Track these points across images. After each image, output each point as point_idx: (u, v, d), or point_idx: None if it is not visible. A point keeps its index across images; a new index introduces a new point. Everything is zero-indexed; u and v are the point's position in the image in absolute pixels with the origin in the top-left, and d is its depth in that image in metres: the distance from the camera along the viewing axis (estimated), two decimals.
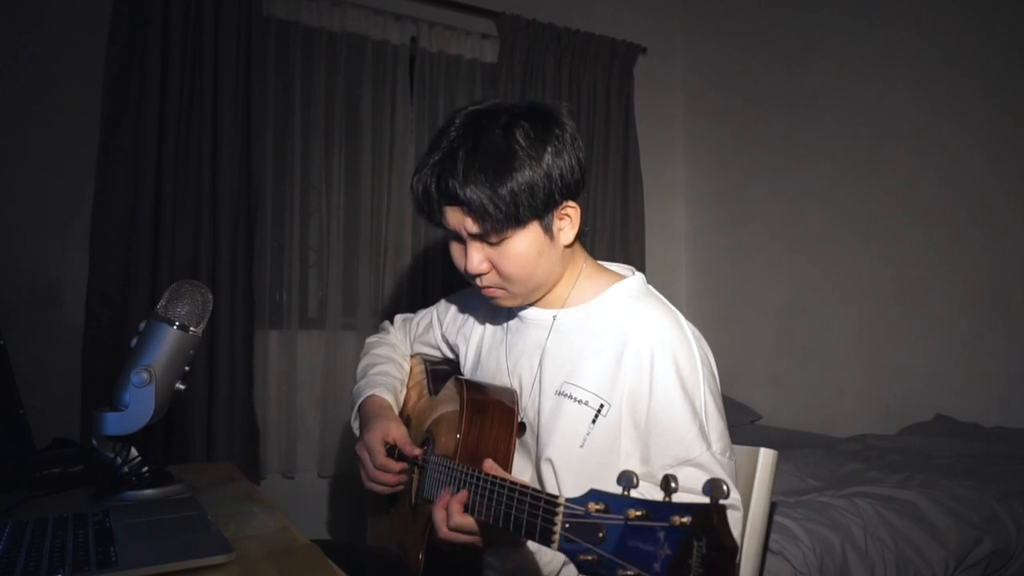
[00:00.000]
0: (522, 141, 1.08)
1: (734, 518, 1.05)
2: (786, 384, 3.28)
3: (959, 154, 2.71)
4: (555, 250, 1.15)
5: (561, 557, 0.98)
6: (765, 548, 1.30)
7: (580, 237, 1.22)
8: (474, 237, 1.12)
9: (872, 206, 2.96)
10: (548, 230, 1.13)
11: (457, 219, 1.11)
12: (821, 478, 2.07)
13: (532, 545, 1.03)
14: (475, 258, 1.13)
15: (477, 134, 1.10)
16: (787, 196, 3.30)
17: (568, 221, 1.15)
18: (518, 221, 1.09)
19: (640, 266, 3.46)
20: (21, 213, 2.41)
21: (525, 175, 1.07)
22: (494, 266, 1.14)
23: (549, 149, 1.09)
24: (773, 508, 1.44)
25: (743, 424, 3.19)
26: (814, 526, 1.64)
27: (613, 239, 3.42)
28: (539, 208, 1.09)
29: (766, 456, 1.21)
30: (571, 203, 1.15)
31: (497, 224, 1.08)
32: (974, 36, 2.68)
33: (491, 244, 1.12)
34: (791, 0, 3.32)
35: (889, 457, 2.28)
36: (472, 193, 1.07)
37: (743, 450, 1.24)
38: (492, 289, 1.17)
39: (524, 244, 1.11)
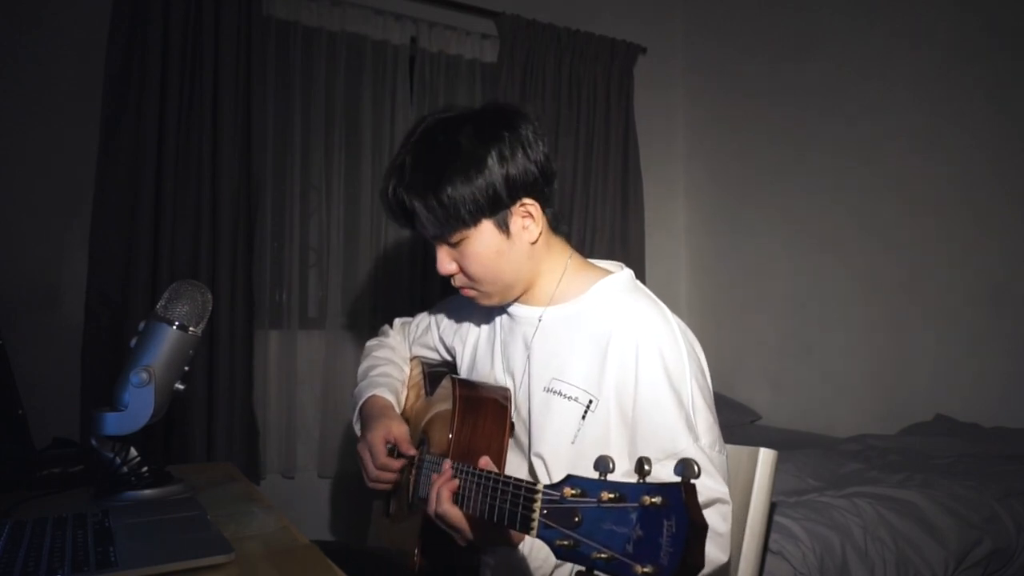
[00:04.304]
0: (464, 147, 1.11)
1: (723, 511, 1.04)
2: (786, 384, 3.28)
3: (959, 154, 2.71)
4: (517, 248, 1.16)
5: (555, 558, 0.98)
6: (765, 548, 1.30)
7: (559, 233, 1.23)
8: (434, 240, 1.17)
9: (872, 206, 2.96)
10: (504, 229, 1.14)
11: (418, 225, 1.16)
12: (821, 478, 2.07)
13: (525, 547, 1.02)
14: (442, 260, 1.18)
15: (423, 143, 1.14)
16: (787, 196, 3.30)
17: (530, 219, 1.16)
18: (463, 223, 1.12)
19: (640, 265, 3.46)
20: (21, 213, 2.40)
21: (464, 180, 1.09)
22: (460, 267, 1.17)
23: (493, 152, 1.10)
24: (773, 508, 1.44)
25: (743, 424, 3.19)
26: (814, 526, 1.64)
27: (613, 238, 3.42)
28: (485, 210, 1.11)
29: (766, 456, 1.21)
30: (529, 201, 1.15)
31: (440, 228, 1.12)
32: (974, 36, 2.68)
33: (451, 245, 1.16)
34: (791, 0, 3.32)
35: (889, 457, 2.28)
36: (414, 200, 1.12)
37: (743, 450, 1.23)
38: (466, 289, 1.21)
39: (480, 245, 1.14)
